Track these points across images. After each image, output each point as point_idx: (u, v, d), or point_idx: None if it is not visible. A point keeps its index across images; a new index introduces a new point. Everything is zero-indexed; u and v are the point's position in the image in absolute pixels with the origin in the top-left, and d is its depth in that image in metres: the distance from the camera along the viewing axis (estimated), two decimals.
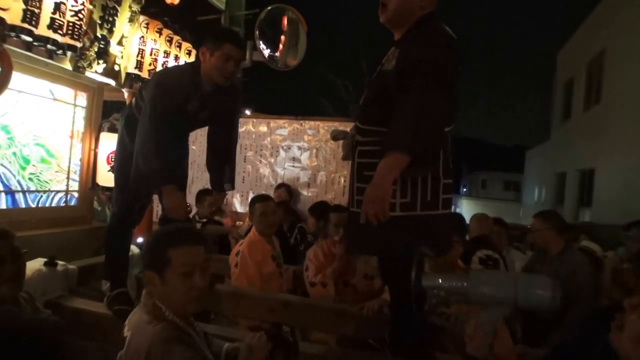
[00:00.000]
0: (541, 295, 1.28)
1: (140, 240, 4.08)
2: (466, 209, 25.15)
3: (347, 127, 6.08)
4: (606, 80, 11.22)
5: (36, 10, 2.82)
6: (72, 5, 3.07)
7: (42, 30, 2.91)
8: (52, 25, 2.95)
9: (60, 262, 3.02)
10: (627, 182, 9.29)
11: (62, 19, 3.01)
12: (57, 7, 2.95)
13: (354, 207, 2.14)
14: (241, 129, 6.33)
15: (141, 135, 2.57)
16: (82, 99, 4.00)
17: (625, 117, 9.79)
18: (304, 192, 6.03)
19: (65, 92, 3.83)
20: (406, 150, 1.86)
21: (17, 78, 3.32)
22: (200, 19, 7.50)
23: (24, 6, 2.75)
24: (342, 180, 5.92)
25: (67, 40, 3.09)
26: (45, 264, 2.92)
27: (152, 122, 2.51)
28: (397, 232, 1.98)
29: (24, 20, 2.77)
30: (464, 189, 39.00)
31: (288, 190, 5.47)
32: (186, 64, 2.86)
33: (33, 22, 2.82)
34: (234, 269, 3.43)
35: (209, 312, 3.50)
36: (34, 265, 2.82)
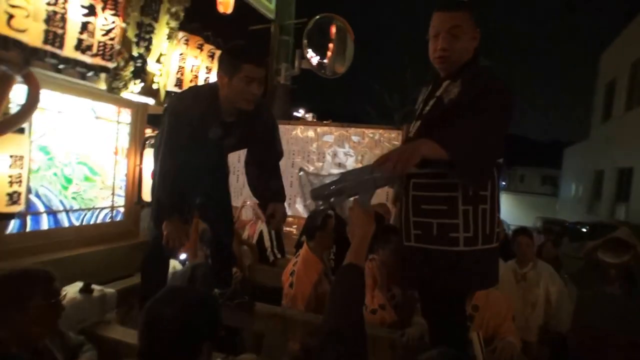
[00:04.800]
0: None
1: (183, 256, 3.63)
2: (505, 202, 24.04)
3: (391, 133, 5.53)
4: None
5: (59, 31, 2.35)
6: (103, 24, 2.59)
7: (69, 51, 2.45)
8: (79, 46, 2.49)
9: (96, 288, 2.64)
10: None
11: (90, 39, 2.53)
12: (84, 27, 2.48)
13: (411, 241, 1.85)
14: (289, 135, 5.87)
15: (159, 163, 2.23)
16: (126, 115, 3.55)
17: None
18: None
19: (107, 109, 3.39)
20: (454, 155, 1.60)
21: (56, 98, 2.92)
22: (251, 28, 7.05)
23: (45, 26, 2.26)
24: (387, 187, 5.35)
25: (97, 61, 2.63)
26: (81, 290, 2.54)
27: (167, 151, 2.13)
28: (459, 267, 1.75)
29: (45, 41, 2.30)
30: (503, 183, 37.33)
31: None
32: (204, 86, 2.36)
33: (56, 44, 2.35)
34: (288, 289, 3.04)
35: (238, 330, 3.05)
36: (69, 293, 2.41)
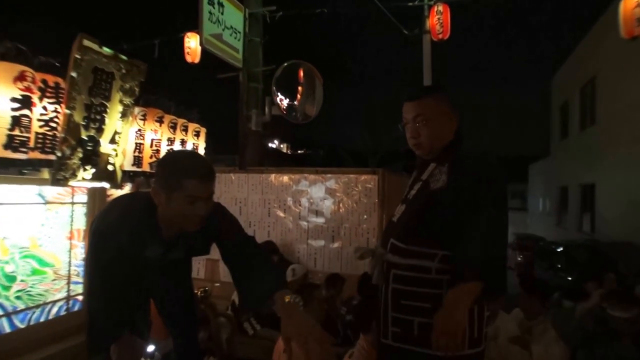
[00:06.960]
0: None
1: (151, 348, 3.10)
2: None
3: (366, 176, 5.20)
4: (599, 104, 10.59)
5: None
6: (41, 114, 2.13)
7: None
8: (10, 144, 2.02)
9: None
10: (629, 196, 8.70)
11: (25, 134, 2.07)
12: (16, 122, 2.02)
13: (388, 339, 1.62)
14: (264, 183, 5.46)
15: (87, 283, 1.83)
16: (82, 194, 3.05)
17: (620, 137, 9.23)
18: (330, 245, 5.10)
19: (58, 191, 2.88)
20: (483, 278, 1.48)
21: None
22: (220, 76, 6.66)
23: None
24: (366, 232, 5.03)
25: (36, 155, 2.17)
26: None
27: (94, 274, 1.63)
28: None
29: None
30: None
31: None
32: (137, 199, 1.76)
33: None
34: None
35: None
36: None
